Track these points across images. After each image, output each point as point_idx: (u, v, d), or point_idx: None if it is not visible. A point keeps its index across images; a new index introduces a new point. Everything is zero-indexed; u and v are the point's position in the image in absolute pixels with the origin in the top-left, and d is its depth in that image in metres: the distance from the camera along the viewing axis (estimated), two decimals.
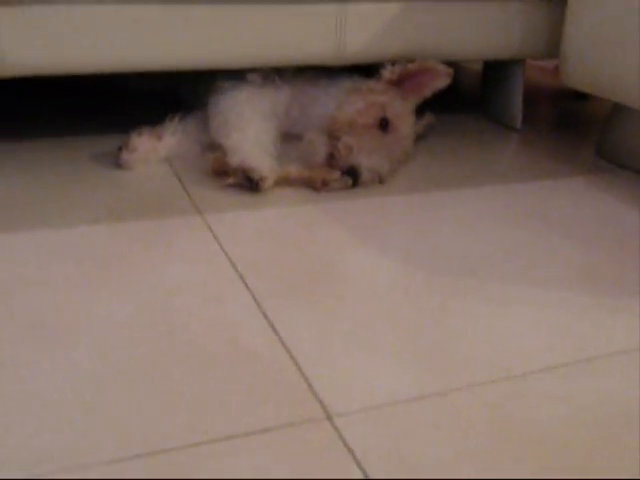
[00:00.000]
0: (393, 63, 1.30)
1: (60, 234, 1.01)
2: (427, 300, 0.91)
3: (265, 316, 0.84)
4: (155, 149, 1.26)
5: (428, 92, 1.32)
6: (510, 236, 1.09)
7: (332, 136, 1.22)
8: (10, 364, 0.74)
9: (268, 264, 0.97)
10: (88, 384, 0.72)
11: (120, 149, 1.22)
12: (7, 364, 0.74)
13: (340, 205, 1.16)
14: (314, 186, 1.20)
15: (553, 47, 1.43)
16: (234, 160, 1.16)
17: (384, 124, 1.23)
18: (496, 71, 1.62)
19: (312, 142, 1.24)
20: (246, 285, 0.90)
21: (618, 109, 1.39)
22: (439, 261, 1.00)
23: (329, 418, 0.69)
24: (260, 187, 1.15)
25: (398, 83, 1.30)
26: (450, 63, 1.32)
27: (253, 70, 1.32)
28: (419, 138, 1.38)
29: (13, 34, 1.10)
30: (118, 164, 1.23)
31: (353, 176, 1.19)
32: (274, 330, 0.82)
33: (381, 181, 1.23)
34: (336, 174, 1.18)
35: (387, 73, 1.30)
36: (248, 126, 1.24)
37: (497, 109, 1.62)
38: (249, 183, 1.15)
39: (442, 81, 1.31)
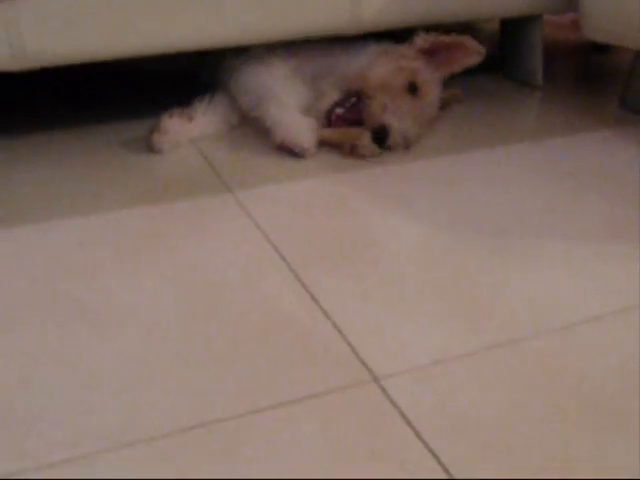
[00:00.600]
0: (427, 31, 1.30)
1: (98, 219, 1.03)
2: (462, 259, 0.91)
3: (304, 286, 0.86)
4: (186, 130, 1.27)
5: (458, 68, 1.32)
6: (540, 193, 1.09)
7: (364, 94, 1.22)
8: (59, 348, 0.76)
9: (301, 235, 0.98)
10: (137, 363, 0.74)
11: (152, 132, 1.23)
12: (56, 348, 0.76)
13: (367, 173, 1.16)
14: (343, 150, 1.21)
15: (570, 0, 1.41)
16: (277, 137, 1.22)
17: (413, 88, 1.24)
18: (514, 29, 1.60)
19: (322, 93, 1.27)
20: (282, 257, 0.92)
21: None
22: (471, 221, 1.01)
23: (375, 380, 0.71)
24: (304, 156, 1.20)
25: (430, 53, 1.30)
26: (467, 24, 1.31)
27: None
28: (444, 107, 1.38)
29: (33, 25, 1.11)
30: (150, 147, 1.24)
31: (383, 135, 1.19)
32: (314, 299, 0.83)
33: (407, 145, 1.24)
34: (365, 139, 1.19)
35: (420, 40, 1.30)
36: (280, 94, 1.27)
37: (517, 67, 1.61)
38: (294, 155, 1.21)
39: (473, 59, 1.31)
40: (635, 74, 1.41)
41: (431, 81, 1.28)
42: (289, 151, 1.21)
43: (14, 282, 0.88)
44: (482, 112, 1.44)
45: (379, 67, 1.26)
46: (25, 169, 1.20)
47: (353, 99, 1.24)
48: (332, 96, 1.26)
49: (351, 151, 1.21)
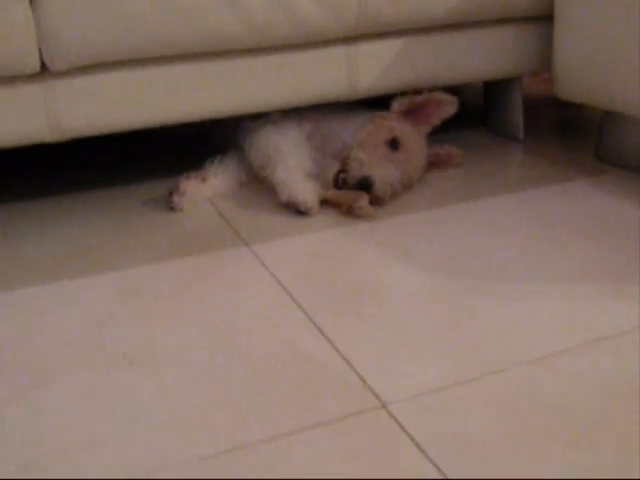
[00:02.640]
0: (402, 94, 1.45)
1: (129, 274, 1.15)
2: (456, 301, 1.04)
3: (317, 327, 0.98)
4: (202, 191, 1.41)
5: (436, 121, 1.46)
6: (524, 240, 1.22)
7: (344, 157, 1.35)
8: (105, 389, 0.88)
9: (313, 283, 1.10)
10: (173, 399, 0.85)
11: (171, 194, 1.37)
12: (103, 390, 0.88)
13: (368, 226, 1.29)
14: (341, 210, 1.34)
15: (546, 62, 1.56)
16: (283, 195, 1.34)
17: (394, 143, 1.37)
18: (495, 87, 1.75)
19: (325, 168, 1.40)
20: (298, 303, 1.04)
21: (610, 114, 1.52)
22: (462, 267, 1.13)
23: (384, 406, 0.83)
24: (309, 215, 1.32)
25: (407, 114, 1.44)
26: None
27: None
28: (441, 165, 1.53)
29: (66, 102, 1.25)
30: (170, 207, 1.37)
31: (367, 186, 1.31)
32: (327, 338, 0.95)
33: (395, 195, 1.36)
34: (362, 202, 1.31)
35: (396, 105, 1.44)
36: (288, 158, 1.40)
37: (499, 122, 1.76)
38: (299, 213, 1.33)
39: (448, 110, 1.45)
40: (605, 128, 1.55)
41: (411, 134, 1.41)
42: (295, 209, 1.33)
43: (56, 334, 1.00)
44: (469, 165, 1.57)
45: (360, 131, 1.40)
46: (55, 228, 1.32)
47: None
48: (334, 166, 1.38)
49: (348, 211, 1.32)
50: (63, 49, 1.18)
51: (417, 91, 1.45)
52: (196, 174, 1.42)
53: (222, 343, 0.96)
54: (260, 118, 1.47)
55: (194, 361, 0.92)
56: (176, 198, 1.36)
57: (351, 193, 1.33)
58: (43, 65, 1.20)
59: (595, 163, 1.56)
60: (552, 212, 1.32)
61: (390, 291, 1.08)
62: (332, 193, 1.35)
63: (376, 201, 1.34)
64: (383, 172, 1.33)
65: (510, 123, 1.73)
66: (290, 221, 1.32)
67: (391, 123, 1.40)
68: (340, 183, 1.35)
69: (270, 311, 1.03)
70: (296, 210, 1.33)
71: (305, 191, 1.33)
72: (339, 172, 1.36)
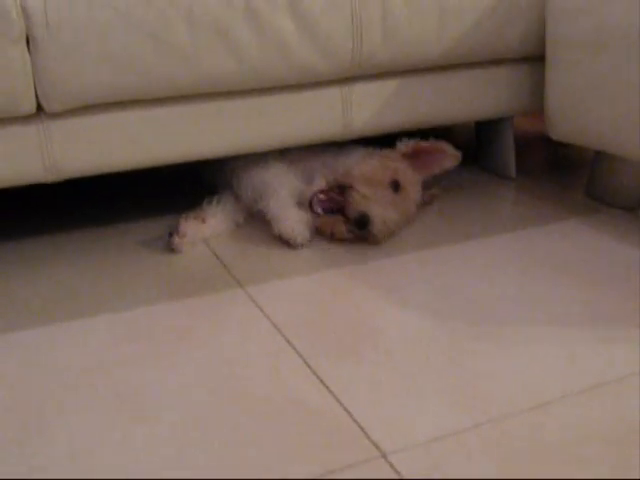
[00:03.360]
0: (409, 137, 1.47)
1: (125, 316, 1.14)
2: (454, 345, 1.04)
3: (314, 373, 0.97)
4: (201, 231, 1.41)
5: (436, 170, 1.50)
6: (517, 281, 1.22)
7: (345, 185, 1.36)
8: (100, 433, 0.87)
9: (309, 327, 1.10)
10: (168, 446, 0.85)
11: (171, 235, 1.36)
12: (104, 437, 0.87)
13: (363, 267, 1.29)
14: (325, 236, 1.38)
15: (537, 102, 1.58)
16: (275, 229, 1.37)
17: (395, 185, 1.38)
18: (487, 127, 1.77)
19: (311, 181, 1.43)
20: (294, 348, 1.04)
21: (601, 154, 1.53)
22: (458, 310, 1.13)
23: (384, 456, 0.82)
24: (297, 248, 1.36)
25: (411, 156, 1.46)
26: None
27: None
28: (426, 205, 1.54)
29: (62, 143, 1.25)
30: (171, 249, 1.37)
31: (365, 223, 1.32)
32: (324, 385, 0.95)
33: (390, 235, 1.37)
34: (339, 227, 1.35)
35: (402, 146, 1.46)
36: (278, 189, 1.41)
37: (491, 161, 1.78)
38: (290, 246, 1.36)
39: (450, 162, 1.49)
40: (595, 168, 1.57)
41: (413, 181, 1.43)
42: (286, 243, 1.35)
43: (49, 379, 0.98)
44: (462, 204, 1.58)
45: (364, 165, 1.41)
46: (49, 267, 1.32)
47: (336, 189, 1.37)
48: (319, 184, 1.40)
49: (331, 236, 1.37)
50: (59, 90, 1.19)
51: (423, 136, 1.48)
52: (195, 214, 1.41)
53: (218, 390, 0.95)
54: (242, 158, 1.48)
55: (189, 408, 0.91)
56: (176, 240, 1.36)
57: (329, 219, 1.36)
58: (39, 106, 1.20)
59: (587, 202, 1.58)
60: (546, 253, 1.33)
61: (387, 335, 1.07)
62: (318, 221, 1.38)
63: (373, 240, 1.35)
64: (382, 212, 1.33)
65: (502, 161, 1.74)
66: (284, 260, 1.32)
67: (396, 165, 1.41)
68: (314, 202, 1.37)
69: (266, 356, 1.02)
70: (287, 244, 1.35)
71: (295, 225, 1.35)
72: (319, 191, 1.37)
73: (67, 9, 1.16)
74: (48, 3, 1.15)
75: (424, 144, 1.47)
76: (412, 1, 1.39)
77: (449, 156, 1.49)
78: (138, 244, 1.41)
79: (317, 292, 1.21)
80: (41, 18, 1.14)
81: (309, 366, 0.99)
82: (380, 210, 1.33)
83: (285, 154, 1.51)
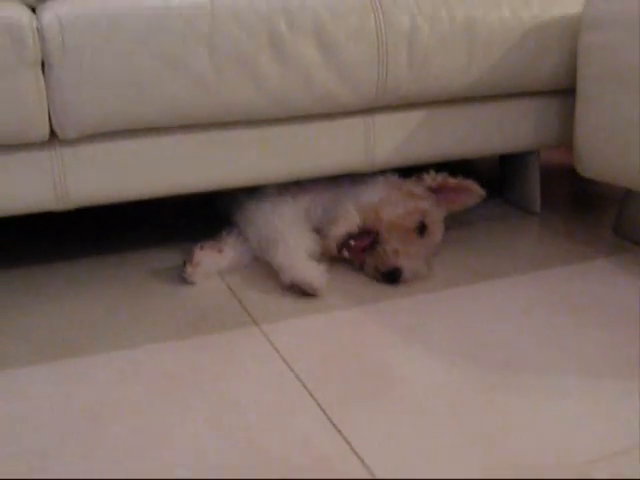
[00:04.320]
0: (437, 171, 1.42)
1: (134, 353, 1.10)
2: (477, 396, 0.98)
3: (332, 422, 0.93)
4: (217, 262, 1.35)
5: (460, 207, 1.46)
6: (543, 325, 1.17)
7: (378, 235, 1.31)
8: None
9: (326, 371, 1.05)
10: None
11: (184, 264, 1.31)
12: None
13: (383, 305, 1.24)
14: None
15: (565, 136, 1.53)
16: (287, 278, 1.27)
17: (422, 229, 1.35)
18: (513, 159, 1.72)
19: (339, 217, 1.35)
20: (310, 393, 0.99)
21: (631, 192, 1.48)
22: (481, 355, 1.08)
23: None
24: (316, 295, 1.26)
25: (435, 191, 1.42)
26: None
27: None
28: None
29: (75, 171, 1.20)
30: (183, 278, 1.31)
31: (397, 277, 1.29)
32: (342, 437, 0.90)
33: (416, 279, 1.32)
34: (371, 270, 1.32)
35: (429, 180, 1.42)
36: (287, 238, 1.33)
37: (516, 194, 1.73)
38: (305, 294, 1.26)
39: (474, 200, 1.45)
40: (626, 205, 1.51)
41: (438, 221, 1.39)
42: (300, 290, 1.27)
43: (54, 422, 0.94)
44: (484, 240, 1.54)
45: (392, 206, 1.35)
46: (57, 298, 1.28)
47: (367, 237, 1.33)
48: (349, 223, 1.33)
49: (359, 268, 1.35)
50: (74, 117, 1.15)
51: (447, 167, 1.45)
52: (211, 244, 1.36)
53: (232, 438, 0.90)
54: (255, 192, 1.43)
55: (202, 458, 0.86)
56: (189, 269, 1.30)
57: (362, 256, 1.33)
58: (52, 132, 1.16)
59: (615, 240, 1.52)
60: (571, 296, 1.27)
61: (407, 382, 1.02)
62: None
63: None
64: (413, 264, 1.30)
65: (527, 195, 1.69)
66: (301, 297, 1.27)
67: (423, 206, 1.37)
68: (347, 249, 1.32)
69: (282, 403, 0.97)
70: (302, 292, 1.27)
71: (310, 270, 1.28)
72: (349, 236, 1.32)
73: (85, 33, 1.12)
74: (65, 26, 1.11)
75: (452, 181, 1.43)
76: (440, 31, 1.34)
77: (474, 194, 1.45)
78: (151, 275, 1.37)
79: (335, 332, 1.16)
80: (58, 42, 1.10)
81: (327, 416, 0.94)
82: (411, 263, 1.30)
83: (300, 190, 1.45)
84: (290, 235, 1.35)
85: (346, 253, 1.33)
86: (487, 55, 1.39)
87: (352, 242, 1.33)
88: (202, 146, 1.27)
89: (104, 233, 1.63)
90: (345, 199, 1.40)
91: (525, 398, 0.98)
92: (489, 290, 1.30)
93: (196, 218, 1.67)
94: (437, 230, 1.38)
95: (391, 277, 1.29)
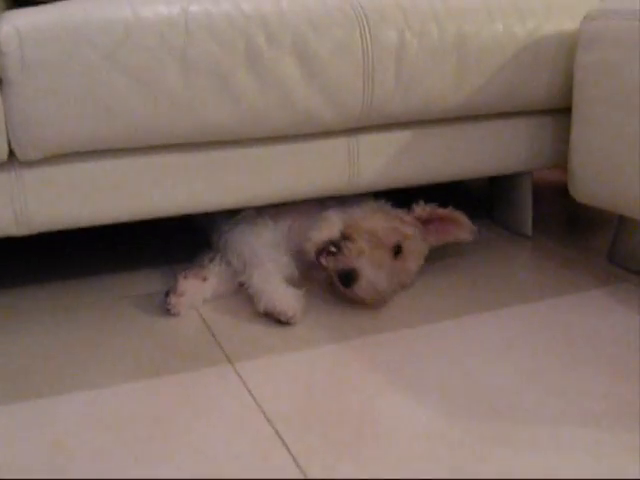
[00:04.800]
0: (425, 201, 1.36)
1: (101, 394, 1.02)
2: (465, 447, 0.91)
3: (305, 477, 0.85)
4: (201, 291, 1.26)
5: (448, 240, 1.38)
6: (535, 364, 1.10)
7: (346, 234, 1.25)
8: None
9: (302, 416, 0.97)
10: None
11: (167, 294, 1.22)
12: None
13: (363, 341, 1.17)
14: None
15: (560, 157, 1.46)
16: (261, 305, 1.21)
17: (397, 250, 1.27)
18: (503, 178, 1.65)
19: (323, 222, 1.30)
20: (284, 443, 0.91)
21: (626, 219, 1.41)
22: (469, 399, 1.01)
23: None
24: (290, 324, 1.19)
25: (425, 221, 1.35)
26: None
27: None
28: None
29: (36, 194, 1.12)
30: (167, 309, 1.22)
31: (349, 280, 1.20)
32: None
33: (379, 301, 1.25)
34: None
35: (419, 209, 1.35)
36: (265, 262, 1.27)
37: (507, 217, 1.65)
38: (280, 323, 1.19)
39: (465, 234, 1.38)
40: (621, 233, 1.45)
41: (416, 251, 1.32)
42: (275, 319, 1.20)
43: (19, 460, 0.88)
44: (471, 267, 1.46)
45: (374, 220, 1.29)
46: (21, 328, 1.20)
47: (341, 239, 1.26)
48: (330, 229, 1.28)
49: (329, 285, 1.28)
50: (34, 137, 1.07)
51: (440, 195, 1.39)
52: (195, 272, 1.27)
53: None
54: (234, 215, 1.36)
55: None
56: (173, 299, 1.21)
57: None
58: (11, 152, 1.08)
59: (610, 268, 1.45)
60: (564, 330, 1.20)
61: (390, 429, 0.94)
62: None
63: (359, 302, 1.24)
64: (372, 273, 1.21)
65: (518, 217, 1.62)
66: (278, 331, 1.19)
67: (407, 231, 1.30)
68: (322, 259, 1.25)
69: (253, 455, 0.89)
70: (276, 320, 1.19)
71: (285, 299, 1.21)
72: (332, 243, 1.25)
73: (47, 47, 1.04)
74: (25, 40, 1.03)
75: (441, 212, 1.36)
76: (429, 46, 1.27)
77: (465, 229, 1.37)
78: (123, 304, 1.28)
79: (312, 372, 1.09)
80: (16, 57, 1.02)
81: (300, 468, 0.87)
82: (370, 270, 1.21)
83: (280, 213, 1.38)
84: (267, 258, 1.28)
85: (323, 260, 1.25)
86: (478, 72, 1.32)
87: (332, 248, 1.25)
88: (173, 168, 1.19)
89: (79, 254, 1.54)
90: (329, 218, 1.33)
91: (514, 449, 0.90)
92: (476, 325, 1.23)
93: (174, 238, 1.58)
94: (413, 259, 1.31)
95: (346, 278, 1.21)
